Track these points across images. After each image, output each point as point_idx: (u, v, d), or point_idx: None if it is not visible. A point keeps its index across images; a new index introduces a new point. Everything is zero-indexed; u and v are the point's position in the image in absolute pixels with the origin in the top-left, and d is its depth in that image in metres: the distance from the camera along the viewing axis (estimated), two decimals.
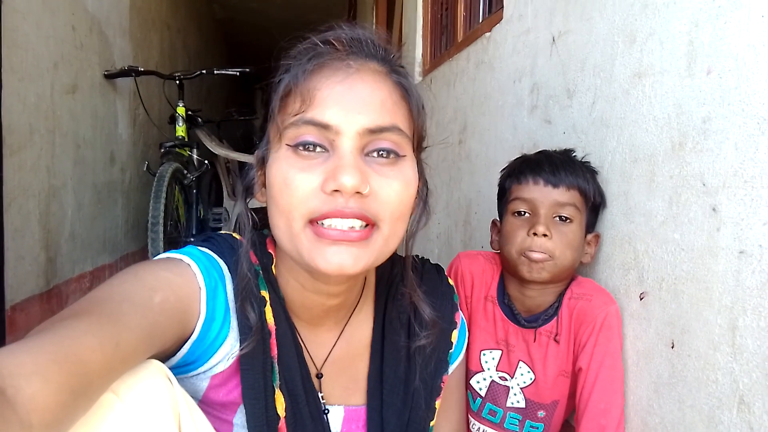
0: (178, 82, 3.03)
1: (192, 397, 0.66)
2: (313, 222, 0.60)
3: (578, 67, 1.19)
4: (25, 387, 0.38)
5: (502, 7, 1.64)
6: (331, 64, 0.62)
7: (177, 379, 0.65)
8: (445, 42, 2.43)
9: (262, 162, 0.67)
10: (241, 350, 0.64)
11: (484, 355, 1.12)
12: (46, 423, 0.39)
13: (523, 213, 1.03)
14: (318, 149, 0.61)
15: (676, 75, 0.90)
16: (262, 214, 0.70)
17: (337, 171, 0.58)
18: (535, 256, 1.00)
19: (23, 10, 2.06)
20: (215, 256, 0.68)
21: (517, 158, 1.13)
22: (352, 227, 0.60)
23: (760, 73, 0.74)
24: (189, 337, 0.61)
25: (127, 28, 3.28)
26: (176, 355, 0.62)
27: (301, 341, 0.72)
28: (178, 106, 3.02)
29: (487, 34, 1.75)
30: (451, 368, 0.83)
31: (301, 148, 0.60)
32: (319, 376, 0.74)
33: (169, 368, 0.62)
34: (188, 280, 0.62)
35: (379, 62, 0.64)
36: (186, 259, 0.64)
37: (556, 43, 1.30)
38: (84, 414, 0.45)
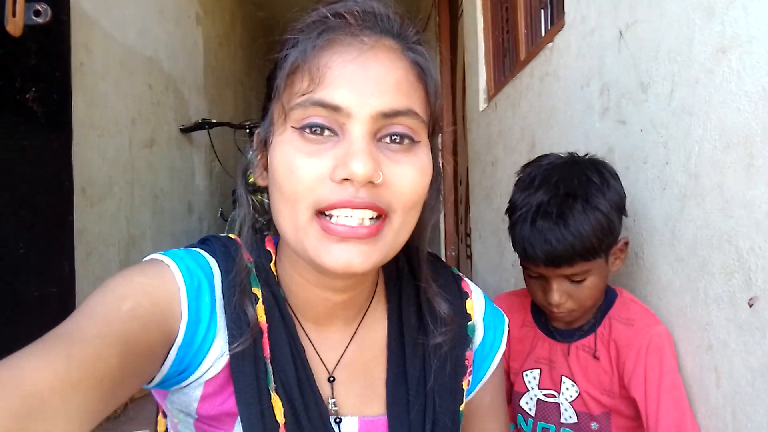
0: (248, 130, 3.11)
1: (187, 413, 0.62)
2: (320, 213, 0.56)
3: (651, 56, 1.08)
4: None
5: (564, 14, 1.55)
6: (342, 40, 0.56)
7: (173, 390, 0.62)
8: (508, 64, 2.35)
9: (264, 144, 0.63)
10: (232, 349, 0.59)
11: (526, 375, 1.14)
12: None
13: (535, 276, 1.04)
14: (327, 132, 0.56)
15: None
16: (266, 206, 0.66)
17: (348, 158, 0.53)
18: (557, 314, 1.03)
19: (101, 71, 2.19)
20: (205, 254, 0.63)
21: (523, 193, 1.03)
22: (362, 222, 0.55)
23: None
24: (174, 341, 0.57)
25: (202, 86, 3.45)
26: (166, 361, 0.57)
27: (308, 341, 0.66)
28: (249, 153, 3.10)
29: (550, 44, 1.66)
30: (487, 375, 0.75)
31: (308, 131, 0.55)
32: (331, 379, 0.67)
33: (162, 379, 0.58)
34: (166, 282, 0.57)
35: (395, 39, 0.59)
36: (166, 259, 0.60)
37: (624, 37, 1.19)
38: None
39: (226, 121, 3.26)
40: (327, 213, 0.55)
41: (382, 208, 0.56)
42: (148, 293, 0.55)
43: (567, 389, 1.09)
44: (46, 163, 1.35)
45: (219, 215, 2.86)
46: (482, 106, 2.60)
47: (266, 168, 0.63)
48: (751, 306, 0.81)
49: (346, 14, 0.57)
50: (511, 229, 1.04)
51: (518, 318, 1.18)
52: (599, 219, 0.96)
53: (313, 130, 0.55)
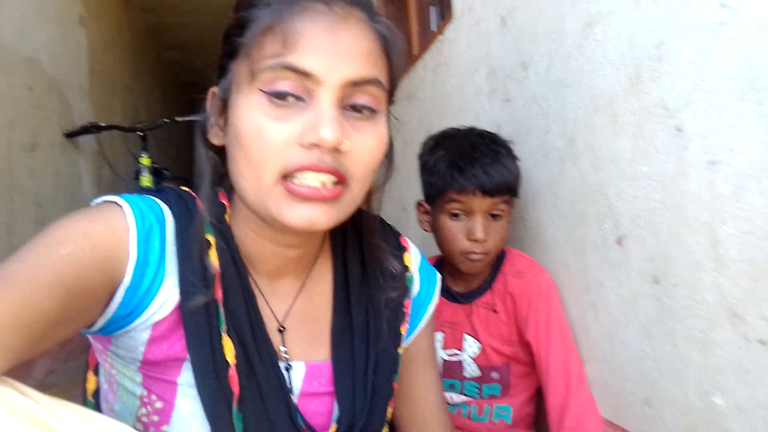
0: (141, 133, 3.00)
1: (132, 358, 0.62)
2: (285, 177, 0.58)
3: (530, 38, 1.19)
4: None
5: (452, 8, 1.66)
6: (315, 7, 0.58)
7: (117, 335, 0.61)
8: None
9: (222, 103, 0.63)
10: (184, 294, 0.60)
11: None
12: None
13: (459, 214, 1.11)
14: (291, 99, 0.57)
15: (625, 12, 0.89)
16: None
17: (318, 124, 0.55)
18: (475, 257, 1.10)
19: None
20: (158, 201, 0.64)
21: (443, 144, 1.16)
22: (324, 185, 0.58)
23: None
24: (121, 283, 0.57)
25: (87, 91, 3.27)
26: (111, 304, 0.57)
27: (259, 292, 0.69)
28: (141, 157, 2.98)
29: (440, 37, 1.77)
30: (421, 323, 0.81)
31: (276, 97, 0.57)
32: (281, 329, 0.70)
33: (106, 323, 0.58)
34: (113, 225, 0.57)
35: (363, 10, 0.61)
36: (119, 200, 0.60)
37: (506, 23, 1.30)
38: None
39: (115, 124, 3.12)
40: (291, 176, 0.57)
41: (343, 174, 0.58)
42: (90, 238, 0.55)
43: (469, 346, 1.17)
44: None
45: None
46: None
47: (221, 128, 0.64)
48: (619, 244, 0.92)
49: None
50: (437, 169, 1.11)
51: None
52: (518, 168, 1.14)
53: (282, 96, 0.57)
